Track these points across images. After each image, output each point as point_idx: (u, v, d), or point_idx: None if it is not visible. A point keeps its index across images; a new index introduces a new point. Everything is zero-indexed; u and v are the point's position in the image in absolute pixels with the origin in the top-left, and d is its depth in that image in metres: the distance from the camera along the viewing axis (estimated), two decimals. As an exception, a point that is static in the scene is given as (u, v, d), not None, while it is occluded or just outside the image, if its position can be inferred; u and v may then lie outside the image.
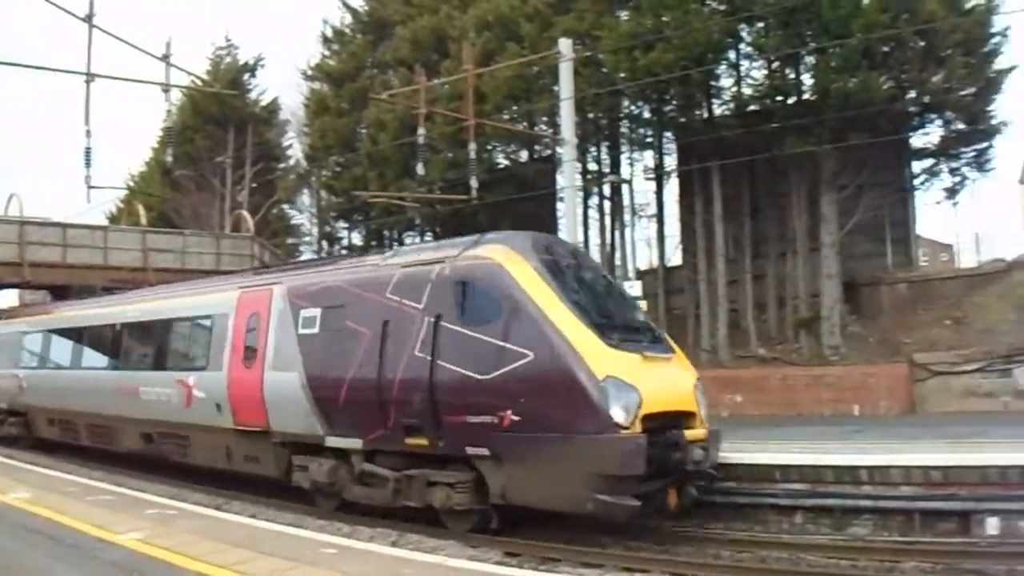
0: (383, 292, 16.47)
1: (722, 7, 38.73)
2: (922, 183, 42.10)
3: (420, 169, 32.16)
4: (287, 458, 18.47)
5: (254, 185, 63.04)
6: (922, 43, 36.24)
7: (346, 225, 60.07)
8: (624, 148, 47.48)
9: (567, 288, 15.02)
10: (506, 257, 15.18)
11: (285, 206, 67.03)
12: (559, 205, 43.58)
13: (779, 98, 38.34)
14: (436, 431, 14.99)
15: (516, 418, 13.87)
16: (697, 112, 41.82)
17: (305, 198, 66.10)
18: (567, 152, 29.69)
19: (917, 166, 42.07)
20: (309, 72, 61.15)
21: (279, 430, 18.35)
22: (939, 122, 40.14)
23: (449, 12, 49.08)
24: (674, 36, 36.15)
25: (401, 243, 51.62)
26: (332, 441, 17.16)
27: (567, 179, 30.79)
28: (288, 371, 17.89)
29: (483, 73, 37.32)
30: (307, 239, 67.41)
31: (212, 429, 20.17)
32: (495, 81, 41.63)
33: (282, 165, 67.03)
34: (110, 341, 25.50)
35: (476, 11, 46.63)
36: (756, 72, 41.12)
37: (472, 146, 30.27)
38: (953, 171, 41.06)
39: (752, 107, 39.51)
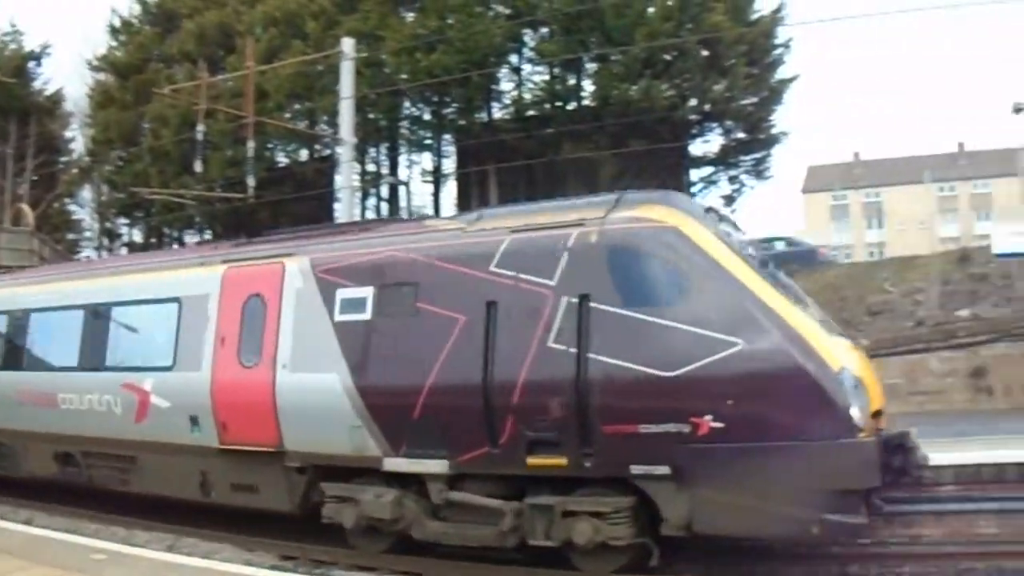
0: (484, 265, 12.53)
1: (507, 11, 38.95)
2: (701, 190, 43.18)
3: (198, 166, 31.41)
4: (308, 487, 14.18)
5: (35, 178, 60.32)
6: (706, 53, 37.16)
7: (127, 222, 58.48)
8: (403, 150, 47.63)
9: (753, 260, 12.10)
10: (679, 219, 11.86)
11: (67, 200, 64.76)
12: (337, 205, 43.22)
13: (559, 103, 38.77)
14: (584, 446, 11.48)
15: (718, 425, 10.80)
16: (477, 115, 42.03)
17: (87, 193, 63.96)
18: (345, 152, 29.45)
19: (696, 173, 43.23)
20: (95, 63, 59.10)
21: (300, 450, 13.95)
22: (719, 130, 41.31)
23: (236, 7, 48.23)
24: (456, 39, 36.18)
25: (181, 242, 50.37)
26: (395, 464, 13.01)
27: (344, 179, 30.67)
28: (320, 371, 13.64)
29: (266, 70, 36.73)
30: (88, 235, 65.24)
31: (179, 449, 15.28)
32: (278, 79, 41.10)
33: (65, 158, 64.59)
34: (7, 333, 19.40)
35: (264, 7, 46.07)
36: (538, 77, 41.65)
37: (251, 144, 29.79)
38: (732, 179, 42.26)
39: (532, 112, 40.05)
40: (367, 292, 13.44)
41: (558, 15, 36.38)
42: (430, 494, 12.82)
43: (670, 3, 36.88)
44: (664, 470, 11.07)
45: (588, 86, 39.05)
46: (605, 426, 11.27)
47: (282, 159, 47.55)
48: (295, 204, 40.07)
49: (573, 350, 11.47)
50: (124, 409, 15.91)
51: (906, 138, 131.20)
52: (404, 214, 46.19)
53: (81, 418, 16.70)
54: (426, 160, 48.15)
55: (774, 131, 41.64)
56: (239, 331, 14.71)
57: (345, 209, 30.21)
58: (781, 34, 40.86)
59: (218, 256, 16.09)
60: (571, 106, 38.85)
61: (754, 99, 39.80)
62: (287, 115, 42.57)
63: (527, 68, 41.83)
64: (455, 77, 35.82)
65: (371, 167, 47.90)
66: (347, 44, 28.79)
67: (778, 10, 40.63)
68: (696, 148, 42.31)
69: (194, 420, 14.94)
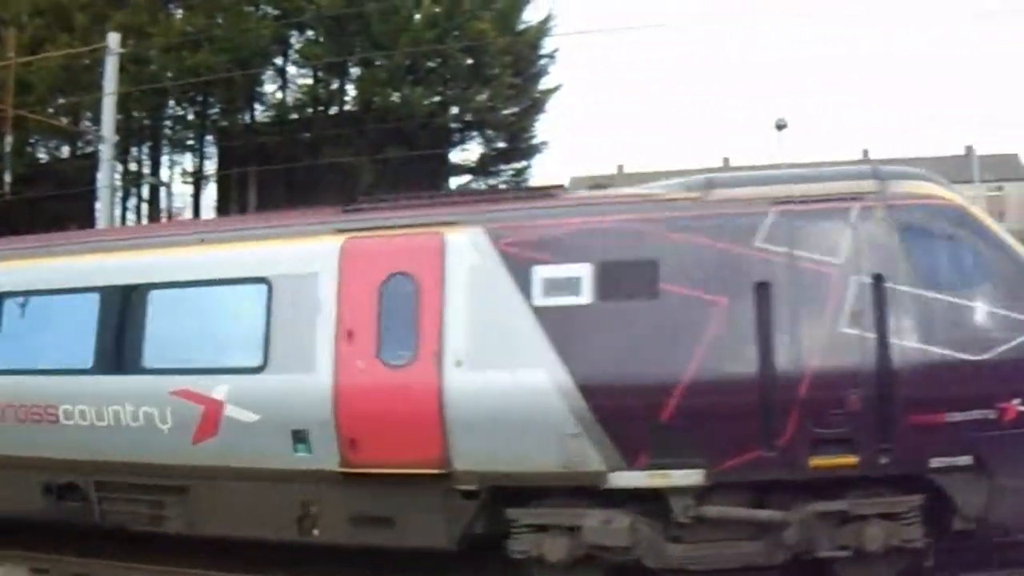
0: (746, 239, 10.95)
1: (275, 12, 39.27)
2: (460, 199, 44.05)
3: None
4: (475, 515, 11.58)
5: None
6: (470, 61, 38.06)
7: None
8: (165, 150, 46.84)
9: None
10: (956, 197, 11.35)
11: None
12: (98, 205, 42.80)
13: (321, 107, 39.30)
14: (881, 441, 10.37)
15: None
16: (239, 117, 42.11)
17: None
18: (106, 150, 29.52)
19: (455, 181, 43.90)
20: None
21: (476, 469, 11.35)
22: (480, 139, 42.28)
23: (4, -7, 46.93)
24: (223, 38, 36.32)
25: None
26: (628, 478, 10.89)
27: (105, 178, 30.60)
28: (517, 369, 11.16)
29: (30, 62, 36.19)
30: None
31: (269, 475, 12.13)
32: (43, 71, 40.21)
33: None
34: None
35: (32, -6, 44.92)
36: (302, 80, 42.09)
37: (9, 139, 29.40)
38: (491, 187, 43.26)
39: (294, 115, 40.43)
40: (582, 270, 11.27)
41: (324, 18, 36.81)
42: (673, 511, 10.95)
43: (436, 10, 37.77)
44: (967, 460, 10.31)
45: (351, 91, 39.84)
46: (912, 416, 10.29)
47: (43, 156, 46.47)
48: (56, 202, 39.44)
49: (871, 335, 10.46)
50: (176, 425, 12.43)
51: (671, 151, 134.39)
52: (164, 216, 45.89)
53: (98, 437, 12.95)
54: (187, 161, 47.53)
55: (535, 141, 42.98)
56: (376, 320, 11.81)
57: (105, 209, 30.22)
58: (547, 45, 42.15)
59: (326, 225, 12.68)
60: (333, 110, 39.54)
61: (516, 109, 40.99)
62: (50, 110, 41.63)
63: (292, 70, 42.34)
64: (219, 77, 35.99)
65: (133, 166, 47.11)
66: (113, 39, 28.93)
67: (545, 21, 41.93)
68: (456, 156, 43.35)
69: (299, 437, 11.94)
